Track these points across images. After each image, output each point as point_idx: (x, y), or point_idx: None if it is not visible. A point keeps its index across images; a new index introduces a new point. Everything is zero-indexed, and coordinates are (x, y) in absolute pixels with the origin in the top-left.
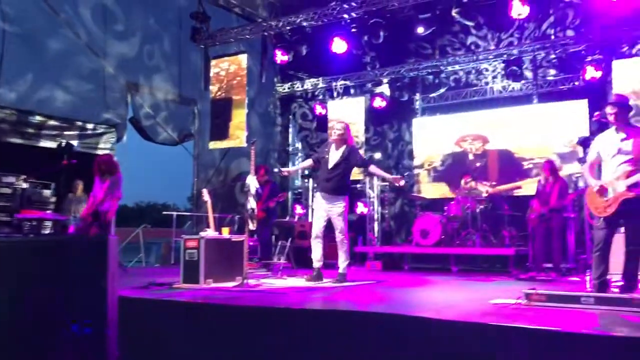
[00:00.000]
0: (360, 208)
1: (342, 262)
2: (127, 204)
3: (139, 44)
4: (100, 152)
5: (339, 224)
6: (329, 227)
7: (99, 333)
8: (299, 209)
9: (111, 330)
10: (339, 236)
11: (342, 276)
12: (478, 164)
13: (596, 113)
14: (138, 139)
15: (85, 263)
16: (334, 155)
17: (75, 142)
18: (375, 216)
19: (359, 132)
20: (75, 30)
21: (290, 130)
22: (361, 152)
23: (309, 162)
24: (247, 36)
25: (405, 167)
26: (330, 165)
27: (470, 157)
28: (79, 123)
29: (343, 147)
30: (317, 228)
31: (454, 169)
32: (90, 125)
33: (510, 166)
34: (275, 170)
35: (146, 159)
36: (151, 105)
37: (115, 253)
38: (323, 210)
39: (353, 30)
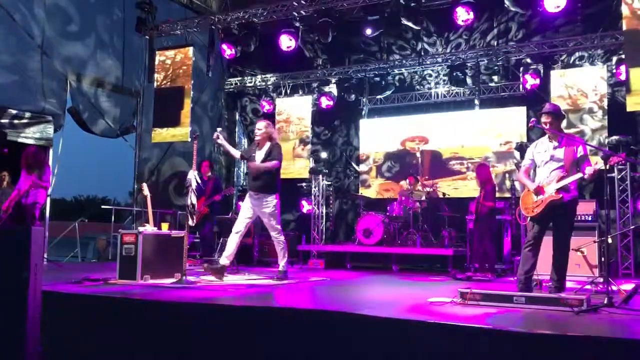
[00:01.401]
0: (305, 207)
1: (281, 259)
2: (65, 197)
3: (80, 32)
4: (34, 142)
5: (272, 223)
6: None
7: (18, 327)
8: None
9: (32, 325)
10: (274, 235)
11: (282, 274)
12: (414, 162)
13: (532, 119)
14: (79, 130)
15: (6, 255)
16: (259, 154)
17: (9, 131)
18: (320, 215)
19: (308, 129)
20: (11, 14)
21: (238, 126)
22: (308, 148)
23: (238, 153)
24: (195, 29)
25: (352, 170)
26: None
27: (417, 155)
28: (12, 111)
29: (267, 144)
30: (239, 224)
31: (399, 168)
32: (21, 113)
33: (439, 165)
34: (215, 136)
35: (88, 151)
36: (91, 96)
37: (40, 245)
38: (250, 209)
39: (302, 28)
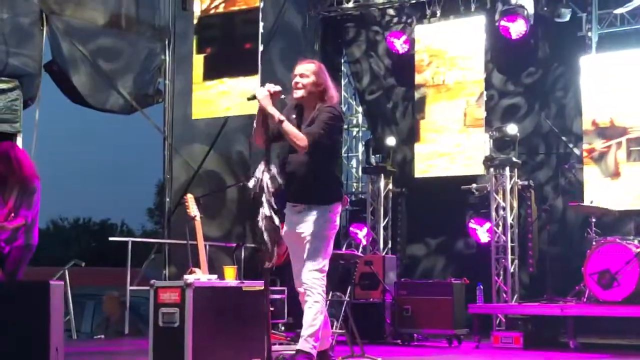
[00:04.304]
0: (479, 232)
1: (306, 327)
2: (38, 223)
3: None
4: None
5: (312, 254)
6: None
7: None
8: (360, 230)
9: None
10: (307, 281)
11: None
12: None
13: None
14: (61, 102)
15: (17, 318)
16: (303, 128)
17: None
18: (507, 246)
19: (479, 79)
20: None
21: (343, 82)
22: (479, 118)
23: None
24: None
25: (567, 156)
26: None
27: None
28: None
29: (316, 107)
30: (297, 272)
31: None
32: None
33: None
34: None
35: (75, 140)
36: (85, 42)
37: (59, 305)
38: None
39: None
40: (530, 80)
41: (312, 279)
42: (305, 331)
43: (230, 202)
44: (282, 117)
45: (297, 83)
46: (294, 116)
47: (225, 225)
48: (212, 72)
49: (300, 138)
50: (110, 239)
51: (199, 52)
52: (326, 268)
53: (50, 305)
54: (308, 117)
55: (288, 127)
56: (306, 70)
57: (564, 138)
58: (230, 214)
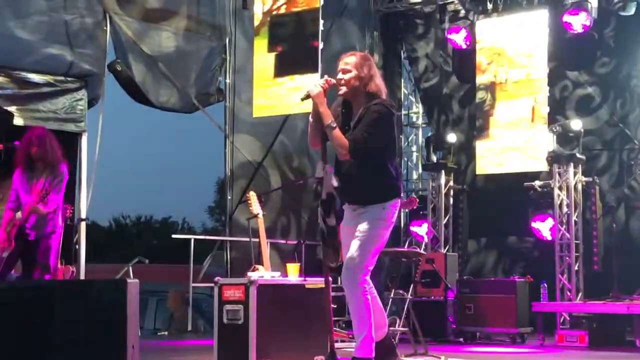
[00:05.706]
0: (543, 228)
1: (357, 331)
2: (99, 221)
3: None
4: (57, 126)
5: (359, 249)
6: None
7: None
8: (421, 227)
9: None
10: (346, 278)
11: None
12: None
13: None
14: (124, 102)
15: (95, 316)
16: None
17: (14, 110)
18: (571, 243)
19: (542, 77)
20: None
21: (403, 80)
22: (543, 115)
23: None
24: None
25: (635, 152)
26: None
27: None
28: (15, 73)
29: (362, 104)
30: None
31: None
32: (28, 76)
33: None
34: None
35: (138, 138)
36: (147, 41)
37: (135, 303)
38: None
39: None
40: (604, 70)
41: (346, 280)
42: (358, 337)
43: (274, 194)
44: (334, 124)
45: (339, 80)
46: (343, 110)
47: (269, 217)
48: (282, 69)
49: (343, 145)
50: (174, 236)
51: (270, 50)
52: (371, 267)
53: (127, 303)
54: (357, 113)
55: (336, 133)
56: (347, 65)
57: (636, 141)
58: (275, 206)
